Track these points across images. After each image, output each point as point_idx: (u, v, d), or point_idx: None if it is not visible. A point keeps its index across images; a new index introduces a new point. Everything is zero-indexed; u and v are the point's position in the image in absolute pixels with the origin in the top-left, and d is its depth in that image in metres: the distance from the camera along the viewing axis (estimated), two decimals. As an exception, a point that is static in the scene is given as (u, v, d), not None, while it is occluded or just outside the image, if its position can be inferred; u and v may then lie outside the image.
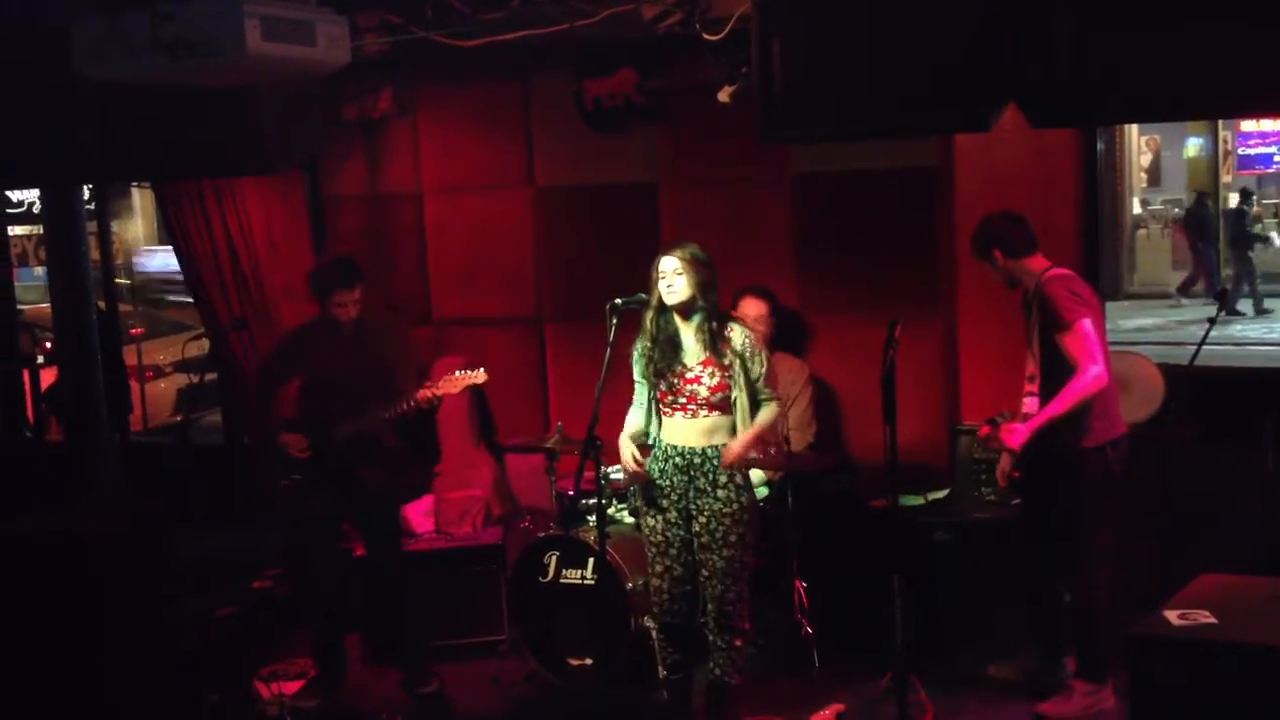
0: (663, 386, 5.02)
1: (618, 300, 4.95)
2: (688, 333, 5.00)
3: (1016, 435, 5.02)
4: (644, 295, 5.01)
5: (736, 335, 4.98)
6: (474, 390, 7.14)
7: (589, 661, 5.68)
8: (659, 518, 5.09)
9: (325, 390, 5.70)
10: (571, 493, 5.87)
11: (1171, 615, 3.94)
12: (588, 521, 5.81)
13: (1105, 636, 5.14)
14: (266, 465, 5.91)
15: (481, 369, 5.62)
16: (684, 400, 5.00)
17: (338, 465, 5.64)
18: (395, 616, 5.89)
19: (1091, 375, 4.88)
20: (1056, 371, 5.00)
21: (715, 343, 4.94)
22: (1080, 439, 4.98)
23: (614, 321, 4.91)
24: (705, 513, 4.99)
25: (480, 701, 5.79)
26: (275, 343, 6.41)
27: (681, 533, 5.07)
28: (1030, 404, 5.15)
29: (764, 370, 4.99)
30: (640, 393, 5.14)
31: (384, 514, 5.89)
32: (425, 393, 5.54)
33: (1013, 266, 5.14)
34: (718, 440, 4.98)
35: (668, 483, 5.05)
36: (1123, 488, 5.12)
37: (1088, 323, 4.92)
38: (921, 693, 5.19)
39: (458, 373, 5.59)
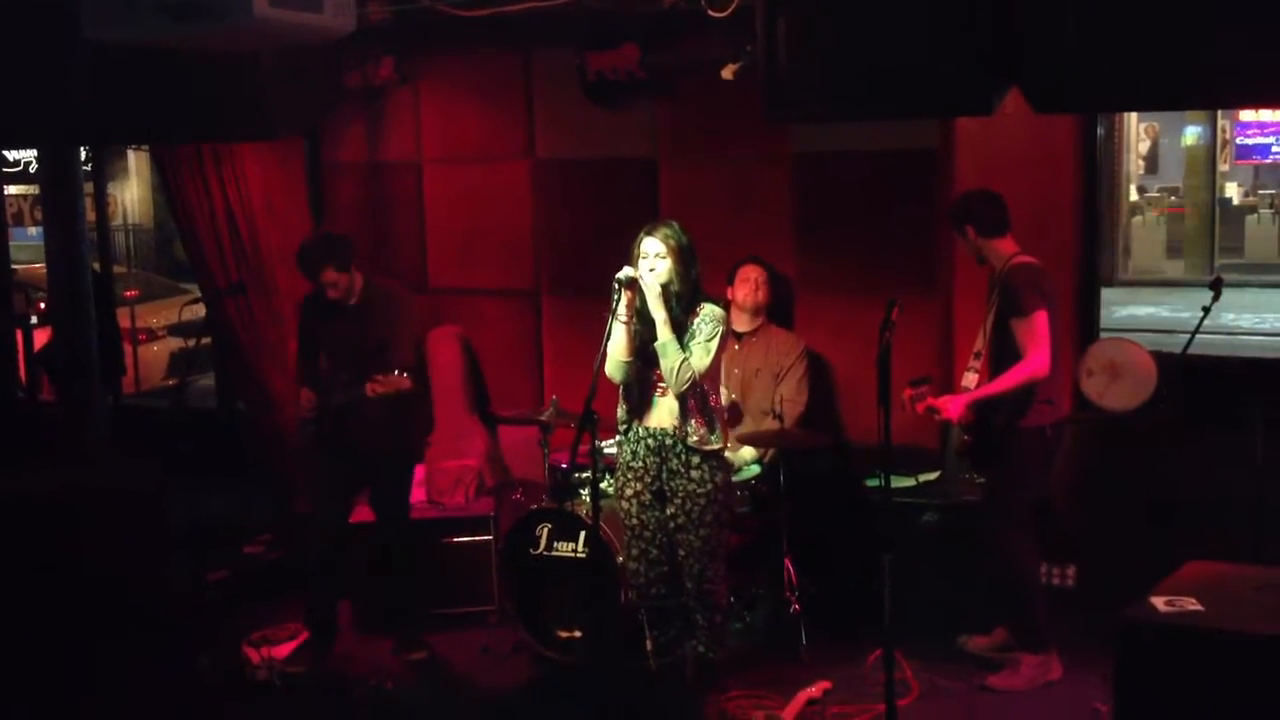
0: (639, 362, 5.02)
1: (627, 271, 4.92)
2: (660, 313, 4.99)
3: (954, 406, 5.26)
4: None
5: (704, 312, 4.97)
6: (468, 360, 7.19)
7: (578, 634, 5.71)
8: (634, 501, 5.10)
9: (332, 356, 5.80)
10: (565, 466, 5.90)
11: (1158, 602, 3.95)
12: (580, 495, 5.83)
13: (1039, 605, 5.35)
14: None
15: (406, 375, 5.43)
16: (655, 378, 5.01)
17: (341, 428, 5.69)
18: (393, 582, 5.93)
19: (1035, 364, 5.11)
20: (1004, 354, 5.23)
21: (681, 331, 4.94)
22: (1019, 418, 5.21)
23: (618, 295, 4.90)
24: (680, 494, 5.01)
25: (469, 670, 5.83)
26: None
27: (656, 514, 5.09)
28: (971, 379, 5.37)
29: (705, 342, 4.93)
30: None
31: (387, 480, 5.92)
32: (371, 386, 5.44)
33: (983, 244, 5.34)
34: (689, 423, 4.99)
35: (640, 464, 5.06)
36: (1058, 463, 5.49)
37: (1043, 315, 5.12)
38: (907, 670, 5.25)
39: (391, 375, 5.43)
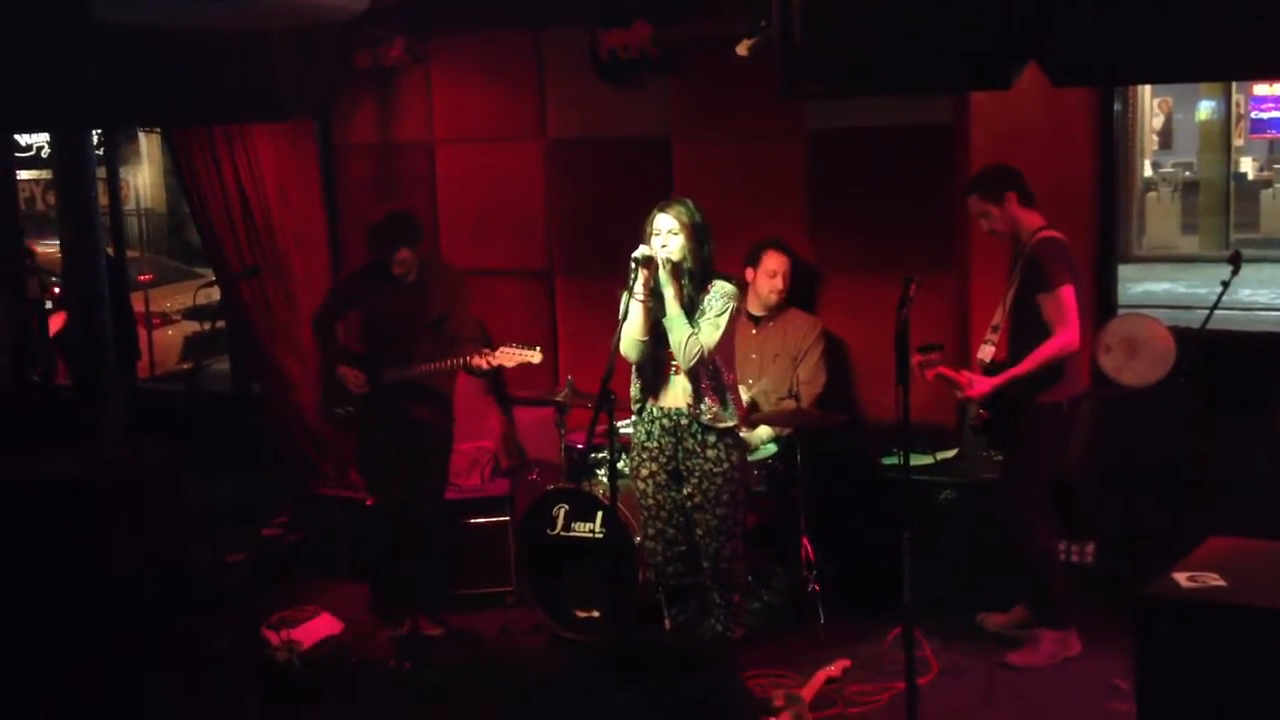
0: (653, 340, 5.00)
1: (643, 250, 4.90)
2: (669, 289, 4.96)
3: (979, 386, 5.24)
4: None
5: (715, 288, 4.95)
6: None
7: (596, 614, 5.71)
8: (649, 481, 5.09)
9: (381, 332, 5.81)
10: (581, 446, 5.88)
11: (1181, 577, 3.95)
12: (596, 475, 5.82)
13: (1056, 581, 5.34)
14: (323, 393, 6.03)
15: (538, 349, 5.55)
16: (669, 357, 5.00)
17: (392, 404, 5.70)
18: (420, 558, 5.90)
19: (1064, 339, 5.07)
20: (1025, 328, 5.19)
21: (693, 308, 4.91)
22: (1038, 394, 5.18)
23: (635, 273, 4.87)
24: (696, 473, 5.00)
25: (487, 650, 5.84)
26: (337, 280, 6.49)
27: (673, 494, 5.08)
28: (987, 351, 5.34)
29: (714, 318, 4.90)
30: None
31: (431, 456, 5.90)
32: (480, 360, 5.53)
33: (1018, 214, 5.27)
34: (702, 401, 4.97)
35: (655, 444, 5.05)
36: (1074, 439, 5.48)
37: (1070, 290, 5.08)
38: (926, 648, 5.23)
39: (516, 348, 5.55)
